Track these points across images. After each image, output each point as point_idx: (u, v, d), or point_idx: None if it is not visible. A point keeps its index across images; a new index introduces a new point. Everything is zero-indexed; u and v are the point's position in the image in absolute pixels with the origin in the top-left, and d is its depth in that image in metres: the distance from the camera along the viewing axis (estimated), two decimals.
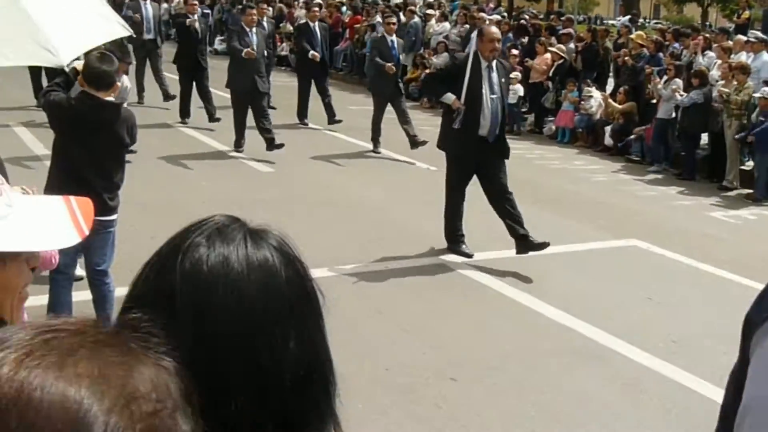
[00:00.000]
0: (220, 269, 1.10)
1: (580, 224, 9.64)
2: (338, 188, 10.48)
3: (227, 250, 1.11)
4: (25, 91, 13.71)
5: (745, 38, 14.99)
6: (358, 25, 22.11)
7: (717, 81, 12.92)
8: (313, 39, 14.52)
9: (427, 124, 16.20)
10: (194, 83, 13.77)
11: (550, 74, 16.23)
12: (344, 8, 24.55)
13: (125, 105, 6.52)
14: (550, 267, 8.03)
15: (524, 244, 7.91)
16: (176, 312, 1.06)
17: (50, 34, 3.98)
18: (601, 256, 8.59)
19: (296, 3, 25.64)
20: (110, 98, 5.31)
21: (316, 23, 14.89)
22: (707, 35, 17.50)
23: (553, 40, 17.02)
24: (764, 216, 10.95)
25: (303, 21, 16.24)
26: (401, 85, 13.38)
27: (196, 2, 14.54)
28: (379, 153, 12.93)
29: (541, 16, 29.10)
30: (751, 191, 11.80)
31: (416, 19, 20.41)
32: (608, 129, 14.55)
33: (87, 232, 1.50)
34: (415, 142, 12.44)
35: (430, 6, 24.25)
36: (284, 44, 23.65)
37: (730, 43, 14.87)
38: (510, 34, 18.41)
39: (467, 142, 7.88)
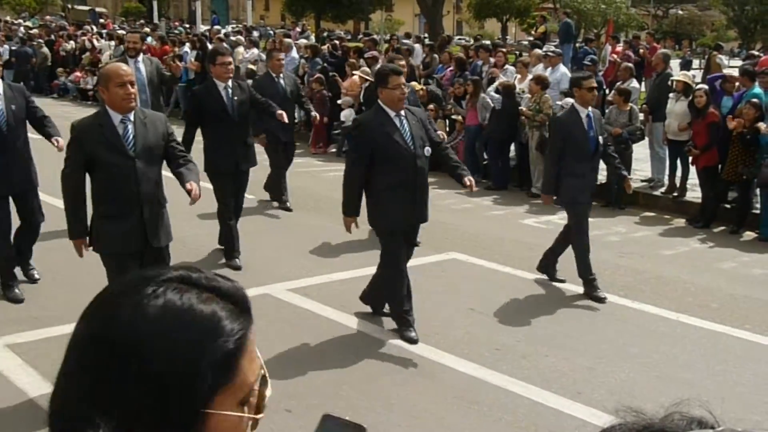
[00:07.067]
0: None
1: None
2: None
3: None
4: None
5: (541, 52, 15.76)
6: (166, 56, 21.67)
7: (524, 93, 13.48)
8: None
9: None
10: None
11: (361, 98, 16.45)
12: (149, 38, 24.01)
13: None
14: None
15: None
16: None
17: None
18: (422, 271, 8.71)
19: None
20: None
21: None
22: (505, 50, 18.32)
23: (362, 62, 17.27)
24: None
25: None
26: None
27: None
28: None
29: (349, 38, 29.54)
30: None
31: (226, 46, 20.25)
32: None
33: None
34: None
35: (238, 33, 24.13)
36: (88, 76, 22.95)
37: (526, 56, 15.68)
38: (317, 58, 18.58)
39: None
